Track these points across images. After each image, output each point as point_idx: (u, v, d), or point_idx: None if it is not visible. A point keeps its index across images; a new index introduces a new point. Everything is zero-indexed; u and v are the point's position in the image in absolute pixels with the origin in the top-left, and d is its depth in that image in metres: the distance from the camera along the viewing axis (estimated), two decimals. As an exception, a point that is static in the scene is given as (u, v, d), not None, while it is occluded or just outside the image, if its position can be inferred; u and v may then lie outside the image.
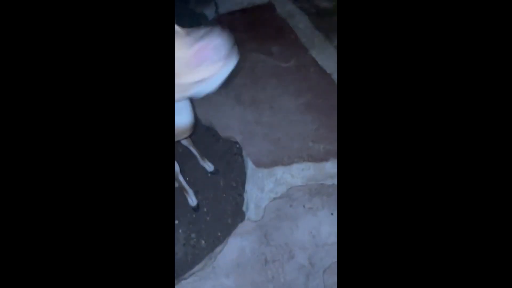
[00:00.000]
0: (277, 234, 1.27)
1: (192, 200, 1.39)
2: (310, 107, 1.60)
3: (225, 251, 1.26)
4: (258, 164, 1.44)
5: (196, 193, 1.44)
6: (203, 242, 1.36)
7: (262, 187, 1.39)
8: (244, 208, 1.38)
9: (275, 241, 1.26)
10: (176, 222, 1.40)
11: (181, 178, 1.34)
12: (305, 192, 1.36)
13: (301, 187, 1.38)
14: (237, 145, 1.55)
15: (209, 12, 2.06)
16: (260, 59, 1.77)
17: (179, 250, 1.33)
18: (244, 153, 1.51)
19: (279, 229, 1.29)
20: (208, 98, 1.77)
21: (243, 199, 1.41)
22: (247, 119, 1.59)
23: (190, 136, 1.09)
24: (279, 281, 1.19)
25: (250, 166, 1.45)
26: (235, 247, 1.26)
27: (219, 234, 1.37)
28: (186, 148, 1.44)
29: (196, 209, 1.40)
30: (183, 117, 0.88)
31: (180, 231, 1.38)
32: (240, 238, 1.28)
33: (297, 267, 1.21)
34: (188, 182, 1.45)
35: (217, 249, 1.28)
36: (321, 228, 1.27)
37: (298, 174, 1.42)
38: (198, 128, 1.60)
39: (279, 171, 1.42)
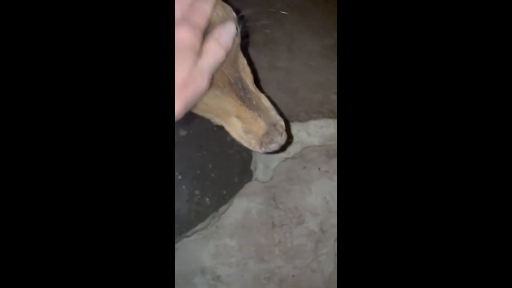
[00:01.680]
0: (286, 197, 1.16)
1: None
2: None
3: (230, 211, 1.18)
4: (270, 119, 1.26)
5: (199, 148, 1.31)
6: (207, 200, 1.28)
7: (273, 145, 1.23)
8: (252, 167, 1.25)
9: (284, 205, 1.15)
10: (179, 177, 1.31)
11: None
12: (321, 153, 1.19)
13: (318, 147, 1.20)
14: (247, 95, 1.34)
15: None
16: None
17: (182, 207, 1.27)
18: (254, 104, 1.31)
19: (290, 192, 1.16)
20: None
21: (251, 157, 1.27)
22: (260, 63, 1.34)
23: None
24: (286, 246, 1.11)
25: (260, 120, 1.27)
26: (241, 207, 1.17)
27: (224, 192, 1.28)
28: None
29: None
30: None
31: (184, 186, 1.30)
32: (247, 199, 1.18)
33: (306, 232, 1.12)
34: (191, 135, 1.32)
35: (222, 209, 1.20)
36: (336, 194, 1.14)
37: (316, 132, 1.23)
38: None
39: (293, 127, 1.24)
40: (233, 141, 1.42)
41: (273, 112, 0.53)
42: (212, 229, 1.16)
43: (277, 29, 1.38)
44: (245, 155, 1.32)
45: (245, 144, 0.56)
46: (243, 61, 0.51)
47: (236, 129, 0.53)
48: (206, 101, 0.48)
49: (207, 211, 1.26)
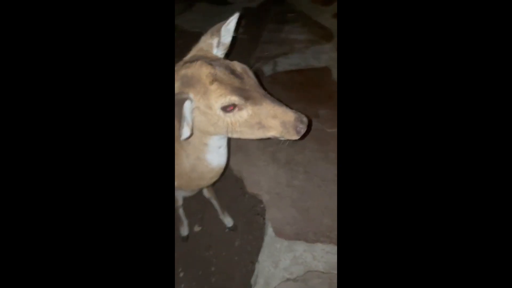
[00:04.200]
0: (282, 326, 1.08)
1: (184, 231, 1.39)
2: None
3: (220, 328, 1.10)
4: (279, 233, 1.31)
5: (208, 247, 1.36)
6: (201, 306, 1.23)
7: (277, 262, 1.24)
8: (252, 281, 1.23)
9: (277, 335, 1.06)
10: (181, 274, 1.32)
11: (180, 210, 1.35)
12: (325, 281, 1.16)
13: (322, 274, 1.18)
14: (262, 205, 1.45)
15: (267, 69, 2.16)
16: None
17: (174, 309, 1.22)
18: (266, 216, 1.40)
19: (286, 320, 1.09)
20: (244, 150, 1.76)
21: (253, 269, 1.27)
22: (278, 179, 1.51)
23: (213, 184, 1.08)
24: None
25: (269, 232, 1.33)
26: (232, 326, 1.10)
27: (220, 303, 1.23)
28: (208, 199, 1.41)
29: (184, 239, 1.40)
30: (219, 157, 0.84)
31: (182, 286, 1.29)
32: (240, 317, 1.11)
33: None
34: (204, 232, 1.39)
35: (212, 322, 1.13)
36: (336, 336, 1.04)
37: (322, 256, 1.23)
38: (227, 177, 1.57)
39: (300, 247, 1.26)
40: (241, 247, 1.45)
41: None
42: None
43: (298, 153, 1.60)
44: (249, 266, 1.31)
45: (286, 136, 0.69)
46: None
47: (275, 127, 0.68)
48: (250, 118, 0.67)
49: (198, 321, 1.19)
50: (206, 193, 1.34)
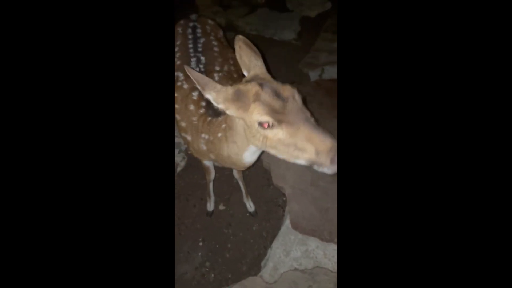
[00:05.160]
0: (281, 309, 1.13)
1: (210, 206, 1.52)
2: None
3: (225, 297, 1.20)
4: (295, 226, 1.36)
5: (228, 225, 1.47)
6: (212, 275, 1.35)
7: (289, 252, 1.29)
8: (262, 263, 1.31)
9: (276, 316, 1.12)
10: (201, 243, 1.45)
11: (211, 185, 1.47)
12: (331, 279, 1.18)
13: (330, 272, 1.20)
14: (284, 198, 1.52)
15: (314, 75, 2.23)
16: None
17: (189, 271, 1.36)
18: (286, 208, 1.46)
19: (286, 305, 1.14)
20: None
21: (266, 253, 1.34)
22: (304, 177, 1.56)
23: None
24: None
25: (286, 224, 1.39)
26: (236, 298, 1.19)
27: (229, 276, 1.33)
28: (236, 181, 1.53)
29: (209, 214, 1.52)
30: (252, 157, 0.94)
31: (200, 254, 1.42)
32: (245, 292, 1.20)
33: None
34: (227, 212, 1.51)
35: (220, 290, 1.24)
36: (333, 332, 1.05)
37: (333, 256, 1.25)
38: (256, 167, 1.68)
39: (313, 243, 1.30)
40: (257, 232, 1.54)
41: (332, 136, 0.69)
42: (203, 305, 1.19)
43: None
44: (262, 250, 1.39)
45: (319, 165, 0.70)
46: (307, 111, 0.75)
47: (309, 151, 0.70)
48: (285, 137, 0.72)
49: (207, 287, 1.31)
50: (236, 173, 1.46)
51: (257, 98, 0.72)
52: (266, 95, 0.72)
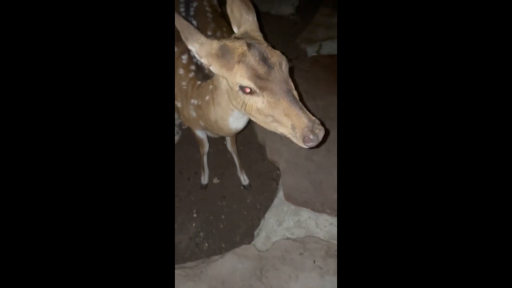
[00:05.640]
0: (273, 274, 1.17)
1: (204, 179, 1.53)
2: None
3: (219, 264, 1.23)
4: (288, 198, 1.38)
5: (223, 198, 1.49)
6: (206, 245, 1.38)
7: (281, 222, 1.32)
8: (255, 233, 1.33)
9: (268, 280, 1.15)
10: (195, 215, 1.47)
11: (205, 158, 1.46)
12: (322, 247, 1.21)
13: (321, 241, 1.23)
14: (278, 172, 1.53)
15: (311, 50, 2.18)
16: (336, 102, 1.73)
17: (183, 241, 1.38)
18: (280, 181, 1.47)
19: (278, 270, 1.18)
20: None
21: (259, 224, 1.37)
22: (299, 152, 1.56)
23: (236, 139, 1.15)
24: (252, 324, 1.07)
25: (279, 196, 1.40)
26: (229, 264, 1.22)
27: (223, 245, 1.36)
28: (231, 155, 1.53)
29: (203, 187, 1.53)
30: (238, 123, 0.93)
31: (194, 224, 1.44)
32: (238, 259, 1.23)
33: (277, 321, 1.07)
34: (220, 185, 1.53)
35: (214, 258, 1.27)
36: (321, 295, 1.09)
37: (324, 226, 1.28)
38: (251, 142, 1.68)
39: (305, 214, 1.32)
40: (251, 204, 1.56)
41: (310, 114, 0.67)
42: (197, 272, 1.22)
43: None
44: (256, 221, 1.42)
45: (293, 139, 0.68)
46: (291, 83, 0.72)
47: (286, 126, 0.69)
48: (264, 107, 0.70)
49: (201, 255, 1.34)
50: (230, 146, 1.45)
51: (242, 59, 0.68)
52: (252, 58, 0.68)
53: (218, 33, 1.09)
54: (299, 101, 0.69)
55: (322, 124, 0.69)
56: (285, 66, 0.71)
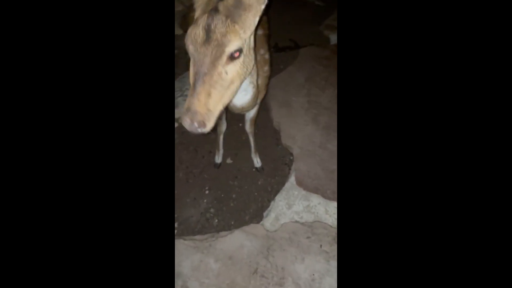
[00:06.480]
0: (279, 254, 1.20)
1: (218, 158, 1.56)
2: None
3: (227, 239, 1.28)
4: (300, 183, 1.40)
5: (235, 178, 1.52)
6: (216, 221, 1.42)
7: (291, 205, 1.34)
8: (264, 213, 1.37)
9: (274, 259, 1.19)
10: (207, 192, 1.51)
11: (221, 137, 1.49)
12: (330, 233, 1.23)
13: (329, 227, 1.26)
14: (291, 157, 1.54)
15: (334, 38, 2.13)
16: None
17: (195, 215, 1.43)
18: (293, 167, 1.49)
19: (285, 251, 1.21)
20: (288, 106, 1.83)
21: (268, 205, 1.40)
22: (313, 139, 1.57)
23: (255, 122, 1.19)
24: (256, 298, 1.12)
25: (291, 180, 1.43)
26: (237, 241, 1.26)
27: (232, 223, 1.40)
28: (247, 136, 1.54)
29: (217, 165, 1.56)
30: (239, 100, 0.96)
31: (205, 201, 1.49)
32: (246, 236, 1.27)
33: (280, 297, 1.11)
34: (233, 165, 1.55)
35: (222, 233, 1.32)
36: (325, 278, 1.13)
37: (334, 213, 1.30)
38: (267, 127, 1.69)
39: (315, 199, 1.34)
40: (262, 187, 1.58)
41: (197, 102, 0.63)
42: (206, 245, 1.27)
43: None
44: (266, 202, 1.45)
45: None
46: (219, 66, 0.68)
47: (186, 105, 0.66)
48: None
49: (210, 230, 1.39)
50: (248, 127, 1.46)
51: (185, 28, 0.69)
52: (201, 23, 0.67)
53: None
54: (204, 84, 0.65)
55: (194, 118, 0.64)
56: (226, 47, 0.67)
